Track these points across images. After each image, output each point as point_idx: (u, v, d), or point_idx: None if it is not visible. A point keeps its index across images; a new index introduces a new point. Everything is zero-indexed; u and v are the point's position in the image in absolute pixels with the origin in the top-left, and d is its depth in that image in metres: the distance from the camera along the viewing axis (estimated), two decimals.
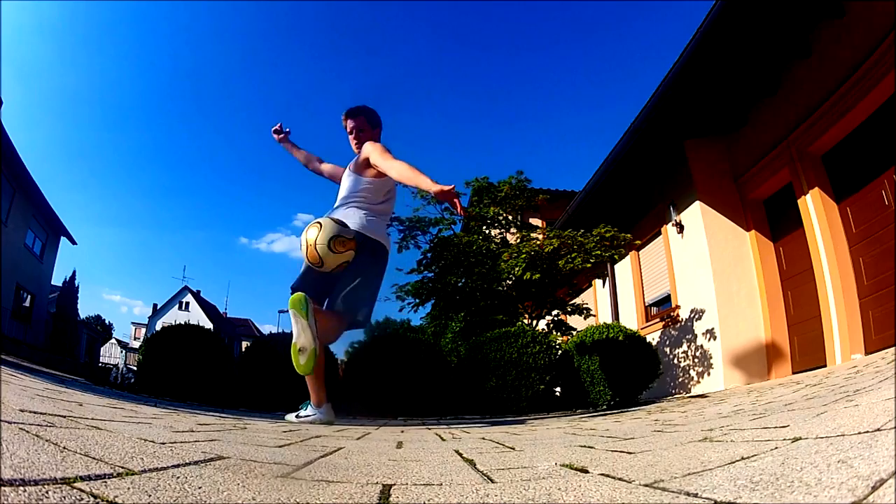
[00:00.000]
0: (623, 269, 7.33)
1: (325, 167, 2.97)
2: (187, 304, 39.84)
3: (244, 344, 29.71)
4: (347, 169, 2.69)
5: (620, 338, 4.38)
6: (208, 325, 19.98)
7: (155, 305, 41.15)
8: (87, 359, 21.69)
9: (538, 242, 5.49)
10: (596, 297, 8.46)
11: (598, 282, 8.34)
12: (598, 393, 4.32)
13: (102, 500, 0.48)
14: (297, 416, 2.43)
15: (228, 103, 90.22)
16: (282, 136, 2.96)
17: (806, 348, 4.63)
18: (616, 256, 5.41)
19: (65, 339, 16.69)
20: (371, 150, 2.49)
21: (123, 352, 35.94)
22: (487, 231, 6.89)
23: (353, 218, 2.41)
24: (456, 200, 2.16)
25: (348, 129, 2.73)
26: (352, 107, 2.74)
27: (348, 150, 2.76)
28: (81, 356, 20.05)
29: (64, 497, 0.47)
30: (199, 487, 0.58)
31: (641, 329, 6.38)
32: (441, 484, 0.70)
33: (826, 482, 0.50)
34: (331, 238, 2.19)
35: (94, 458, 0.65)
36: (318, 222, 2.24)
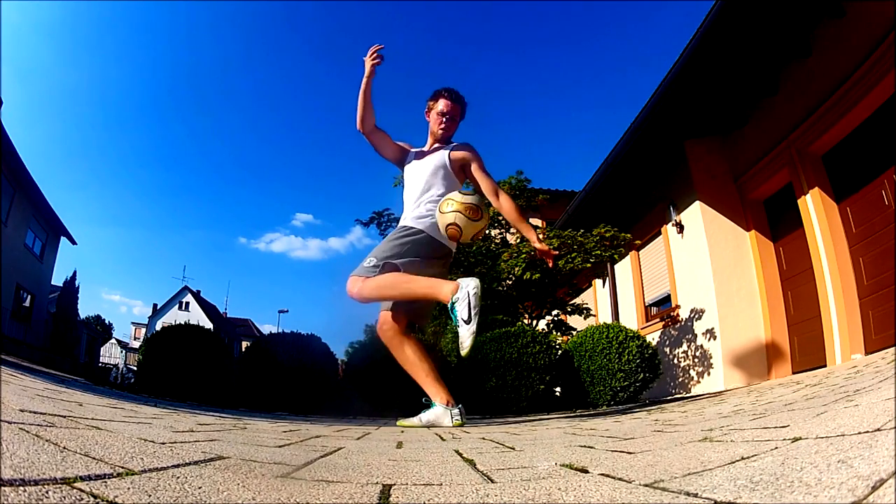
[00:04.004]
0: (623, 269, 7.33)
1: (379, 134, 2.63)
2: (187, 304, 39.86)
3: (244, 344, 29.72)
4: (436, 160, 2.52)
5: (620, 338, 4.38)
6: (208, 325, 19.99)
7: (155, 305, 41.17)
8: (87, 359, 21.70)
9: None
10: (596, 297, 8.46)
11: (598, 282, 8.34)
12: (598, 393, 4.32)
13: (102, 500, 0.48)
14: (454, 415, 2.29)
15: (228, 103, 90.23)
16: (374, 63, 2.45)
17: (806, 348, 4.63)
18: (616, 256, 5.41)
19: (65, 339, 16.68)
20: (473, 158, 2.55)
21: (123, 352, 35.95)
22: (487, 231, 6.90)
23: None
24: (549, 260, 2.49)
25: (443, 110, 2.57)
26: (454, 90, 2.60)
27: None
28: (81, 356, 20.06)
29: (64, 497, 0.47)
30: (199, 487, 0.58)
31: (641, 329, 6.39)
32: (441, 484, 0.70)
33: (826, 482, 0.50)
34: (467, 206, 2.26)
35: (94, 458, 0.65)
36: (449, 199, 2.30)
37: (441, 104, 2.58)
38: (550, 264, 2.52)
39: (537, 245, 2.42)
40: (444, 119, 2.57)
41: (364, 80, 2.50)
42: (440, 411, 2.35)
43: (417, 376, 2.46)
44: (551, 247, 5.23)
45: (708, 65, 4.35)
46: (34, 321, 15.59)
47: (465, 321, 2.06)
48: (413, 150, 2.72)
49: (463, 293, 2.09)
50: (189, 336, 4.67)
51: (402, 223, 2.49)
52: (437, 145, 2.63)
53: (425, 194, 2.48)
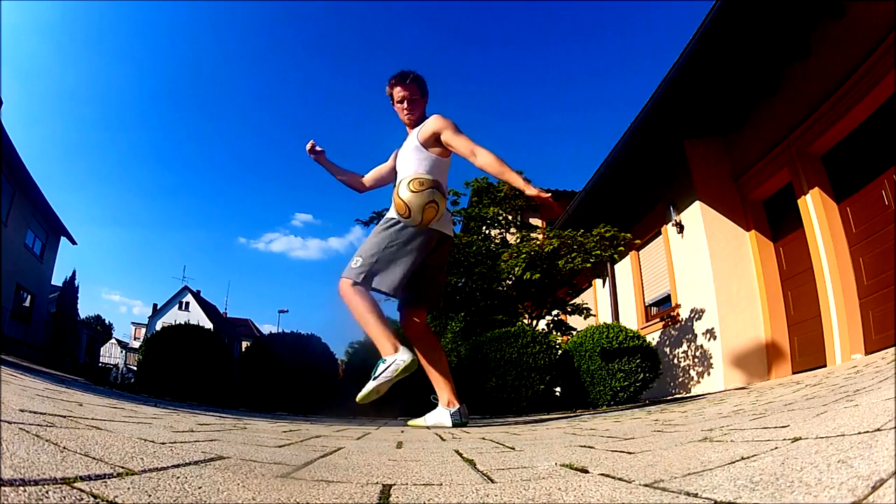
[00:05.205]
0: (623, 269, 7.33)
1: (369, 178, 2.74)
2: (187, 303, 39.85)
3: (244, 344, 29.72)
4: (409, 146, 2.47)
5: (620, 338, 4.38)
6: (208, 325, 19.98)
7: (155, 305, 41.17)
8: (87, 359, 21.70)
9: (538, 242, 5.49)
10: (596, 297, 8.46)
11: (598, 282, 8.34)
12: (598, 393, 4.31)
13: (102, 500, 0.48)
14: (373, 380, 2.18)
15: (228, 103, 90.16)
16: (317, 154, 2.67)
17: (806, 348, 4.63)
18: (616, 256, 5.41)
19: (65, 339, 16.69)
20: (442, 126, 2.38)
21: (123, 352, 35.93)
22: (487, 231, 6.89)
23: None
24: (553, 202, 2.27)
25: (397, 99, 2.49)
26: (400, 72, 2.49)
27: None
28: (81, 356, 20.06)
29: (64, 497, 0.47)
30: (199, 487, 0.58)
31: (641, 329, 6.38)
32: (441, 484, 0.70)
33: (826, 482, 0.50)
34: (410, 181, 2.18)
35: (94, 458, 0.65)
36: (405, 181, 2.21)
37: (395, 93, 2.50)
38: (557, 209, 2.41)
39: (529, 191, 2.21)
40: (404, 106, 2.50)
41: (327, 168, 2.69)
42: (441, 412, 2.40)
43: (428, 372, 2.49)
44: (551, 246, 5.26)
45: (708, 65, 4.35)
46: (34, 321, 15.58)
47: (373, 377, 2.16)
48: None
49: (391, 359, 2.16)
50: (189, 336, 4.67)
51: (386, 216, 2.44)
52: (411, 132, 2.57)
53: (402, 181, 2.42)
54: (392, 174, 2.65)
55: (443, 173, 2.46)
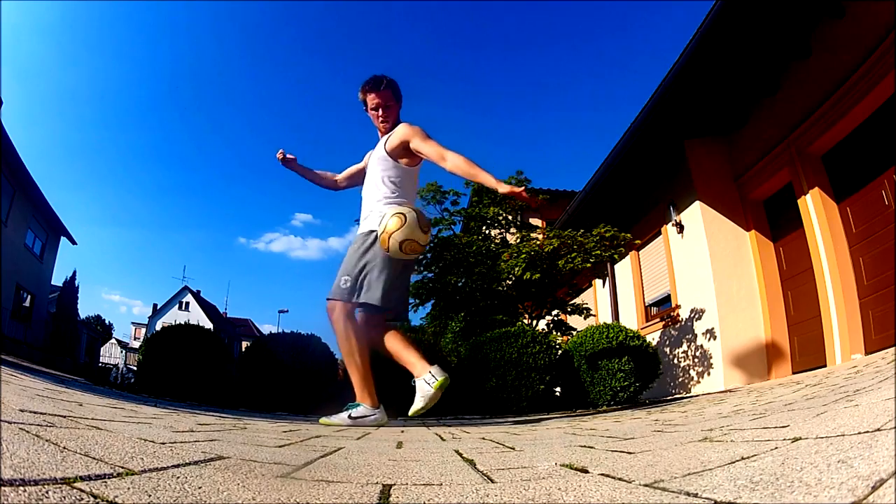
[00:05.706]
0: (623, 269, 7.32)
1: (343, 177, 2.72)
2: (187, 304, 39.85)
3: (244, 344, 29.72)
4: (377, 154, 2.43)
5: (620, 338, 4.38)
6: (208, 325, 19.99)
7: (155, 305, 41.17)
8: (87, 359, 21.70)
9: (538, 242, 5.49)
10: (596, 297, 8.46)
11: (598, 282, 8.34)
12: (598, 393, 4.31)
13: (102, 500, 0.48)
14: (350, 417, 2.24)
15: (228, 103, 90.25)
16: (288, 161, 2.63)
17: (806, 348, 4.63)
18: (616, 256, 5.41)
19: (65, 339, 16.68)
20: (411, 134, 2.34)
21: (123, 352, 35.93)
22: (487, 231, 6.89)
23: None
24: (526, 195, 2.21)
25: (371, 106, 2.43)
26: (373, 78, 2.42)
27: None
28: (81, 356, 20.05)
29: (64, 497, 0.47)
30: (199, 487, 0.58)
31: (641, 329, 6.38)
32: (441, 484, 0.70)
33: (826, 482, 0.50)
34: (405, 238, 2.16)
35: (94, 458, 0.65)
36: (402, 215, 2.16)
37: (369, 100, 2.45)
38: (534, 204, 2.34)
39: (502, 189, 2.17)
40: (377, 112, 2.45)
41: (300, 173, 2.67)
42: (419, 384, 2.26)
43: (395, 356, 2.43)
44: (551, 246, 5.25)
45: (708, 65, 4.35)
46: (34, 321, 15.57)
47: (349, 415, 2.27)
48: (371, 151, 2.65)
49: (372, 413, 2.30)
50: (189, 336, 4.66)
51: (359, 230, 2.40)
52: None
53: (376, 198, 2.38)
54: (363, 175, 2.62)
55: (410, 182, 2.43)
